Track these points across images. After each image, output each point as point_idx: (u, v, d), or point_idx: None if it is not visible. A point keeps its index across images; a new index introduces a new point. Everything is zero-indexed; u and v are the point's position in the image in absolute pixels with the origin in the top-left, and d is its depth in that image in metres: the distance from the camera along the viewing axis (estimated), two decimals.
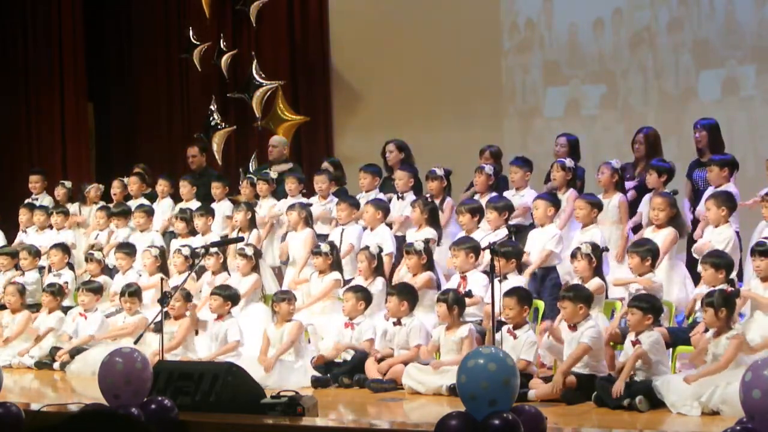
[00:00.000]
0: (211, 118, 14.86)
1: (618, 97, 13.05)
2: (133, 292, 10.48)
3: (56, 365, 10.49)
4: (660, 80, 12.80)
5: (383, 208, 10.75)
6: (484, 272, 9.21)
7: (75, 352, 10.45)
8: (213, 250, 10.56)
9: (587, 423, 7.30)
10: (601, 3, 13.18)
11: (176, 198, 12.61)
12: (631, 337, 7.84)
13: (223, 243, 10.84)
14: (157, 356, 8.61)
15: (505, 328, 8.32)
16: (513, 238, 9.30)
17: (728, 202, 9.26)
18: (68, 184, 13.39)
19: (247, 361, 9.11)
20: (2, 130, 15.66)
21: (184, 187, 12.43)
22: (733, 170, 9.79)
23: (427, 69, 13.94)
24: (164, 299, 8.92)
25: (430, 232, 10.30)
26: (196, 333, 9.91)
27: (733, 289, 7.89)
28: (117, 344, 9.19)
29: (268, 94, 14.61)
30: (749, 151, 10.92)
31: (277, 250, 11.42)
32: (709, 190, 9.69)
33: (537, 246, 9.80)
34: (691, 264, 9.34)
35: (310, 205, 11.38)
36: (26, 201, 13.35)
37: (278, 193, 12.00)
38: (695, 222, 9.89)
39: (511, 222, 10.06)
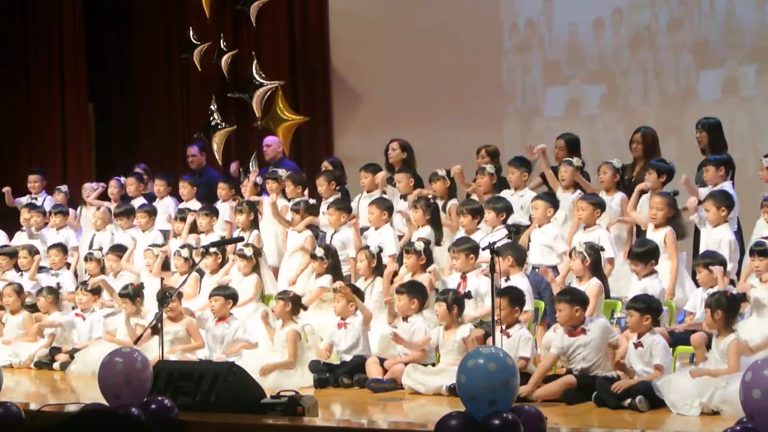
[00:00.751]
0: (211, 118, 14.86)
1: (618, 97, 13.05)
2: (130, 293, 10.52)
3: (56, 365, 10.51)
4: (660, 80, 12.79)
5: (388, 207, 10.74)
6: (484, 272, 9.19)
7: (75, 352, 10.46)
8: (212, 250, 10.56)
9: (587, 423, 7.30)
10: (601, 3, 13.18)
11: (176, 198, 12.61)
12: (633, 339, 7.83)
13: (223, 243, 10.84)
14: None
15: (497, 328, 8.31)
16: (512, 238, 9.30)
17: (727, 201, 9.27)
18: (64, 188, 13.38)
19: (248, 361, 9.12)
20: (2, 130, 15.66)
21: (185, 188, 12.43)
22: (729, 170, 9.79)
23: (427, 69, 13.93)
24: (164, 299, 8.93)
25: (426, 232, 10.28)
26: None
27: (733, 292, 7.88)
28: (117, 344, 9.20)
29: (268, 94, 14.61)
30: (749, 151, 10.92)
31: (275, 249, 11.39)
32: (706, 190, 9.70)
33: (536, 246, 9.80)
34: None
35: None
36: (26, 201, 13.34)
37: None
38: None
39: (510, 222, 10.05)
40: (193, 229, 11.67)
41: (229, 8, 15.24)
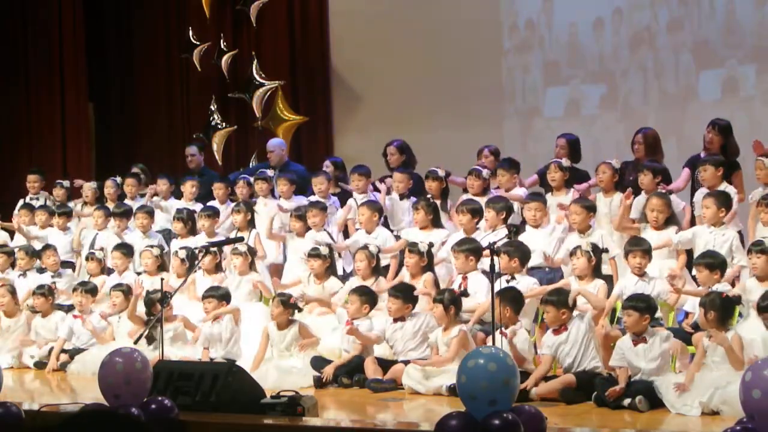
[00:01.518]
0: (211, 118, 14.87)
1: (618, 97, 13.06)
2: (125, 291, 10.52)
3: (51, 365, 10.51)
4: (660, 80, 12.80)
5: (378, 209, 10.74)
6: (484, 272, 9.19)
7: (75, 352, 10.46)
8: (203, 251, 10.53)
9: (587, 423, 7.30)
10: (601, 3, 13.18)
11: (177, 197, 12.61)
12: (632, 338, 7.82)
13: (223, 243, 10.83)
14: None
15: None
16: (512, 238, 9.30)
17: (727, 201, 9.27)
18: (66, 183, 13.36)
19: (247, 361, 9.13)
20: (2, 130, 15.66)
21: (187, 188, 12.39)
22: (726, 171, 9.79)
23: (427, 69, 13.94)
24: (164, 299, 8.93)
25: (439, 235, 10.26)
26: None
27: (728, 294, 7.87)
28: (117, 344, 9.20)
29: (268, 94, 14.62)
30: (749, 151, 10.88)
31: (273, 249, 11.38)
32: (703, 190, 9.70)
33: (532, 247, 9.80)
34: (692, 264, 9.33)
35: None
36: (25, 201, 13.33)
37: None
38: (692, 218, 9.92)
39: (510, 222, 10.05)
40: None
41: (229, 8, 15.25)
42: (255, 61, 14.67)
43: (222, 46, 14.93)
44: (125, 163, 14.21)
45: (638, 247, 8.88)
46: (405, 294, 9.13)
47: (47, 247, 11.98)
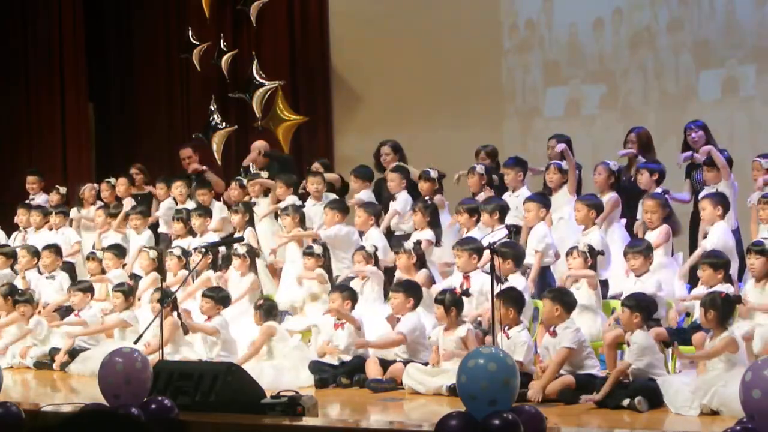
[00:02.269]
0: (211, 118, 14.85)
1: (618, 97, 13.05)
2: (126, 291, 10.52)
3: (55, 365, 10.51)
4: (660, 80, 12.79)
5: (375, 211, 10.74)
6: (485, 272, 9.19)
7: (75, 352, 10.46)
8: (203, 250, 10.54)
9: (587, 423, 7.31)
10: (601, 3, 13.18)
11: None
12: (627, 336, 7.86)
13: (223, 243, 10.83)
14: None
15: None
16: (512, 238, 9.30)
17: (723, 201, 9.31)
18: (63, 189, 13.35)
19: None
20: (2, 130, 15.66)
21: (177, 188, 12.36)
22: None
23: (427, 69, 13.93)
24: (164, 299, 8.93)
25: (428, 234, 10.27)
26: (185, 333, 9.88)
27: (727, 293, 7.88)
28: (117, 344, 9.21)
29: (268, 94, 14.61)
30: (749, 151, 10.89)
31: (271, 249, 11.37)
32: (705, 190, 9.73)
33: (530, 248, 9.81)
34: (691, 265, 9.33)
35: (303, 206, 11.32)
36: (24, 201, 13.33)
37: None
38: (696, 219, 9.92)
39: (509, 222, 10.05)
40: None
41: (229, 8, 15.24)
42: (255, 61, 14.67)
43: (222, 46, 14.92)
44: (125, 163, 14.20)
45: (636, 248, 8.91)
46: (407, 289, 9.12)
47: (48, 246, 11.97)
